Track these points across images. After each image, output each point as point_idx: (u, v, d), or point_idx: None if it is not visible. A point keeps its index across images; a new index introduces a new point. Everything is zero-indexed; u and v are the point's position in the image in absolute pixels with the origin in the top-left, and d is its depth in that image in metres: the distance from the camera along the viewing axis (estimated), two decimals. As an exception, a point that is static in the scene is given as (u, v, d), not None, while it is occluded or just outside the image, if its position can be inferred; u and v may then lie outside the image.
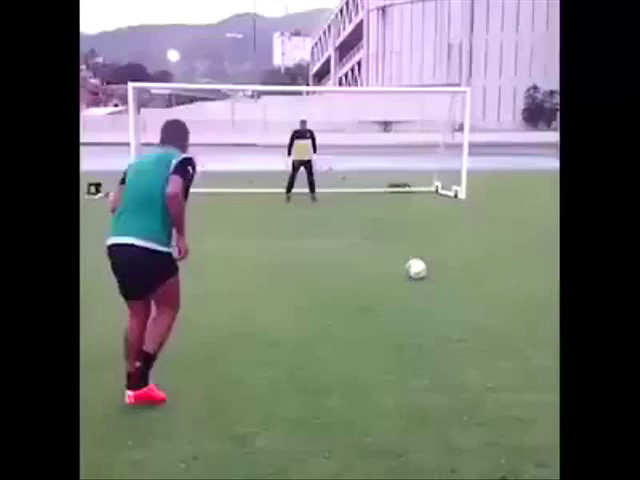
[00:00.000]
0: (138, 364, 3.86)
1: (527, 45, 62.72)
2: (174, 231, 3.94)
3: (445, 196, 15.73)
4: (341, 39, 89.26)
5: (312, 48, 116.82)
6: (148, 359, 3.88)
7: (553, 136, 49.35)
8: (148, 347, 3.89)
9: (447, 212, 13.50)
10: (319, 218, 12.24)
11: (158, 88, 56.31)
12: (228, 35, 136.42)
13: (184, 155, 4.02)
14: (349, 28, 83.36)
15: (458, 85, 53.28)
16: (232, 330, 5.36)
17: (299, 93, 61.32)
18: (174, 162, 3.89)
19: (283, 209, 13.57)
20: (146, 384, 3.89)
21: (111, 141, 25.79)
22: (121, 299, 4.04)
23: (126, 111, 17.37)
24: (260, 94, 62.07)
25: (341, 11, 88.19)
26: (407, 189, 16.56)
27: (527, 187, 17.91)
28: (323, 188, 15.69)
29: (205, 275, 7.35)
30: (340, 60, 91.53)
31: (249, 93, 71.17)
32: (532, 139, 45.28)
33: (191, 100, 68.39)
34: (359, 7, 77.45)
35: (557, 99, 60.09)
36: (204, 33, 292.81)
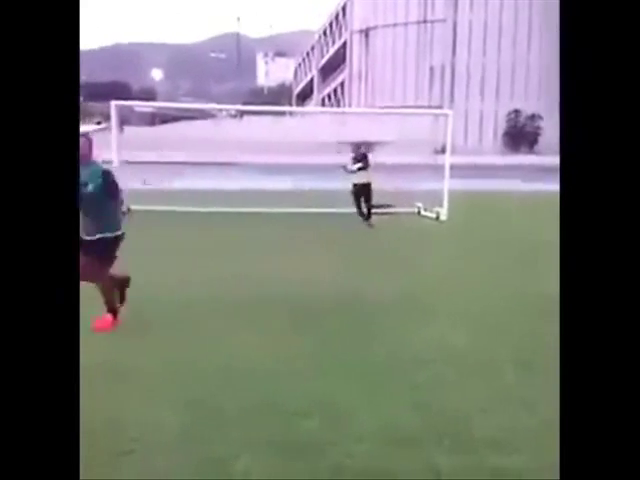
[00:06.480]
0: None
1: (509, 68, 63.59)
2: None
3: (427, 217, 15.81)
4: (324, 60, 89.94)
5: (295, 69, 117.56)
6: None
7: (534, 159, 49.95)
8: None
9: (429, 233, 13.56)
10: (298, 239, 12.22)
11: (141, 106, 56.28)
12: (212, 54, 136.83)
13: None
14: (332, 50, 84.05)
15: (440, 107, 53.83)
16: (207, 356, 5.32)
17: (282, 113, 61.54)
18: None
19: (259, 229, 13.50)
20: None
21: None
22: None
23: (108, 129, 17.32)
24: (243, 114, 62.26)
25: (325, 33, 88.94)
26: (389, 210, 16.61)
27: (508, 209, 18.06)
28: (305, 208, 15.74)
29: (171, 300, 7.30)
30: (323, 81, 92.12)
31: (232, 112, 71.32)
32: (513, 162, 45.75)
33: (174, 119, 68.22)
34: (342, 29, 78.17)
35: (538, 123, 60.97)
36: (188, 52, 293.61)
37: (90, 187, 5.47)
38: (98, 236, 5.65)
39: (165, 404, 4.23)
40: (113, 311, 6.03)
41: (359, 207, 14.61)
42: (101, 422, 3.90)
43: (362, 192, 14.39)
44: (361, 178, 14.27)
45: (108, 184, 5.65)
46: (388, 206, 16.86)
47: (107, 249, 5.78)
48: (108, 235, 5.72)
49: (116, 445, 3.65)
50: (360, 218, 14.49)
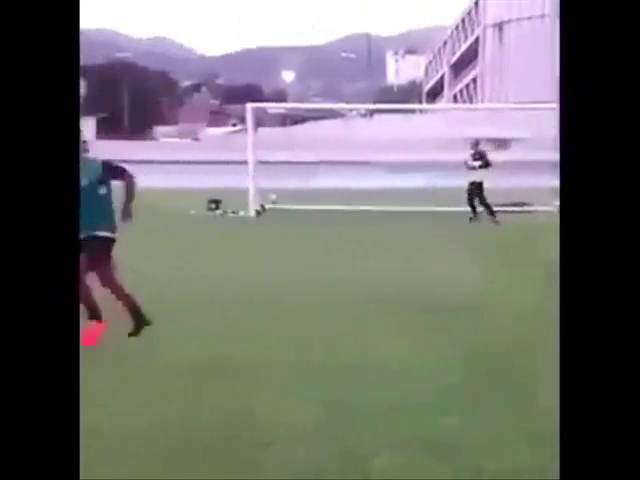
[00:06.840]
0: None
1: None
2: None
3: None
4: (456, 56, 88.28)
5: (426, 66, 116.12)
6: None
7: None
8: None
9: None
10: (432, 237, 12.06)
11: (274, 108, 57.81)
12: (342, 54, 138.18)
13: None
14: (464, 45, 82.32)
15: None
16: (344, 355, 5.34)
17: (412, 111, 61.04)
18: None
19: (393, 228, 13.43)
20: None
21: (230, 159, 26.81)
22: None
23: (244, 130, 17.96)
24: (373, 112, 62.34)
25: (457, 28, 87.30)
26: (526, 208, 16.06)
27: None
28: (438, 206, 15.58)
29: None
30: (455, 77, 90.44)
31: (362, 112, 71.65)
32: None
33: (303, 119, 69.34)
34: (475, 24, 76.38)
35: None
36: (319, 53, 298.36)
37: (84, 181, 4.88)
38: (83, 235, 4.90)
39: (305, 401, 4.30)
40: (96, 317, 5.53)
41: (472, 205, 14.43)
42: (241, 416, 4.03)
43: (476, 190, 14.22)
44: (477, 176, 14.10)
45: (108, 173, 5.37)
46: (524, 204, 16.32)
47: (92, 250, 5.23)
48: (99, 234, 5.30)
49: (256, 437, 3.74)
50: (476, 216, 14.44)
